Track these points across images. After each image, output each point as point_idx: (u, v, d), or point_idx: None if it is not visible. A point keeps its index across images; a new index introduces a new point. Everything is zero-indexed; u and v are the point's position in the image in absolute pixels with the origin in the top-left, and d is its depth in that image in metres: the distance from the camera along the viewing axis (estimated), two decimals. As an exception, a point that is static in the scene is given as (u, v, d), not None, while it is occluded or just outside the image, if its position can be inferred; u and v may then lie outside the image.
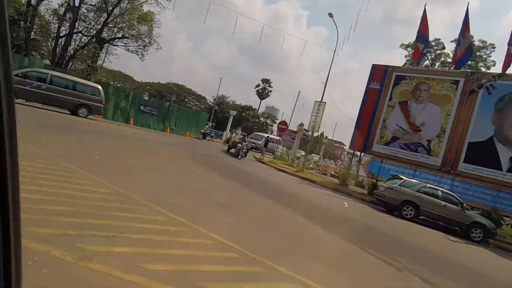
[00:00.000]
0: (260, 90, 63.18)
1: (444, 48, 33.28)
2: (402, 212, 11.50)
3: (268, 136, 21.87)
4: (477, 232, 11.20)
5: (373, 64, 17.97)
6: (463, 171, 14.49)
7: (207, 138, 22.59)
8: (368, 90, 17.72)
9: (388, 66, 17.45)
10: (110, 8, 29.98)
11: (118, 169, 6.01)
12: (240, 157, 15.19)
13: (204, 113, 31.01)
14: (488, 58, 30.99)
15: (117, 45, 32.70)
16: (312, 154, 31.54)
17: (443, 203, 11.44)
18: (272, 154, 23.86)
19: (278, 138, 27.18)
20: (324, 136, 50.13)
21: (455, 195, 11.90)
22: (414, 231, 9.61)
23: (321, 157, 35.51)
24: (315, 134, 23.89)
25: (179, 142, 17.15)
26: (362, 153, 17.45)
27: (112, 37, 32.33)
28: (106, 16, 30.05)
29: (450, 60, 32.22)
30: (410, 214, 11.44)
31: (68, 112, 12.76)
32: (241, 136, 17.54)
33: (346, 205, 11.39)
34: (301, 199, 9.58)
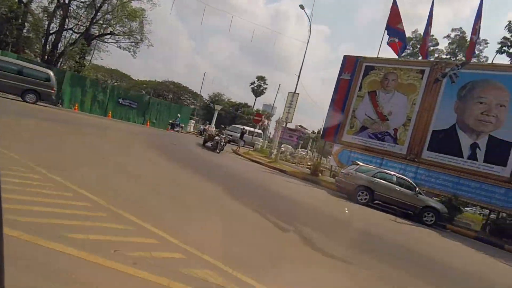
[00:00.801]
0: (255, 88, 63.57)
1: (437, 44, 33.42)
2: (357, 197, 11.72)
3: (243, 128, 22.05)
4: (430, 216, 11.40)
5: (344, 55, 18.18)
6: (427, 158, 14.68)
7: (176, 129, 22.41)
8: (339, 81, 17.91)
9: (359, 56, 17.64)
10: (99, 5, 30.12)
11: (44, 145, 6.23)
12: (218, 151, 14.60)
13: (187, 107, 31.17)
14: (480, 54, 31.11)
15: (107, 42, 32.80)
16: (299, 149, 31.74)
17: (397, 187, 11.65)
18: (252, 147, 24.10)
19: (259, 131, 27.35)
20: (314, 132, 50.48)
21: (409, 180, 12.11)
22: (357, 211, 9.81)
23: (308, 151, 35.76)
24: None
25: (150, 133, 17.35)
26: (333, 143, 17.66)
27: (100, 33, 32.46)
28: (94, 13, 30.16)
29: (444, 56, 32.31)
30: (365, 199, 11.65)
31: (20, 99, 12.63)
32: (219, 129, 17.29)
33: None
34: (243, 179, 9.78)
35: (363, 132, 16.64)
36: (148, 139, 13.33)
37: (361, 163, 12.54)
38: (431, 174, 14.49)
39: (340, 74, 17.94)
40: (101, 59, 33.10)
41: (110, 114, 20.98)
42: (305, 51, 20.72)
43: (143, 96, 25.47)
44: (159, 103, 25.29)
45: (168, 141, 14.71)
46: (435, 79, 15.07)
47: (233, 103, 60.66)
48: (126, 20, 31.52)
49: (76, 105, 19.07)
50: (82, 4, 30.83)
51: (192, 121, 26.37)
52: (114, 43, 32.91)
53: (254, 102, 63.86)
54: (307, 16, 16.16)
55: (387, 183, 11.76)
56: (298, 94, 18.76)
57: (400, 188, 11.65)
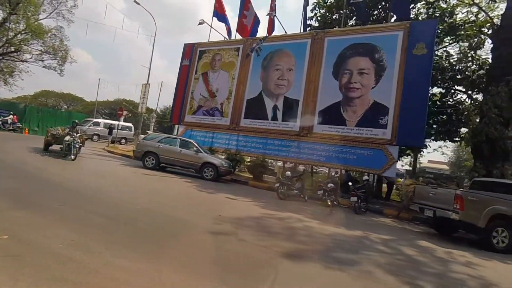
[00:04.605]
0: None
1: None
2: (145, 162, 12.64)
3: (111, 124, 22.36)
4: (209, 171, 12.49)
5: (184, 43, 19.45)
6: (244, 126, 15.95)
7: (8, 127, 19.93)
8: (181, 67, 19.10)
9: (195, 43, 18.96)
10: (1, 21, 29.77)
11: None
12: (73, 157, 10.63)
13: (78, 113, 31.42)
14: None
15: (28, 62, 31.63)
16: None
17: (179, 149, 12.71)
18: (119, 142, 24.29)
19: (129, 124, 27.25)
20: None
21: (192, 141, 13.25)
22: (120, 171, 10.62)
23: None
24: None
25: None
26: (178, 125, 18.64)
27: (3, 52, 31.96)
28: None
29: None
30: (152, 163, 12.61)
31: None
32: (72, 125, 11.96)
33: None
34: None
35: (199, 111, 17.79)
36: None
37: (150, 132, 13.54)
38: (248, 139, 15.74)
39: (182, 61, 19.15)
40: (22, 79, 31.96)
41: (-25, 125, 20.97)
42: (153, 44, 21.78)
43: (17, 104, 25.48)
44: (40, 111, 25.44)
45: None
46: (246, 54, 16.56)
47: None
48: (33, 38, 31.23)
49: None
50: (-6, 25, 30.38)
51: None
52: (36, 62, 32.30)
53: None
54: (151, 15, 16.70)
55: (171, 146, 12.81)
56: (149, 84, 19.72)
57: (182, 149, 12.72)
